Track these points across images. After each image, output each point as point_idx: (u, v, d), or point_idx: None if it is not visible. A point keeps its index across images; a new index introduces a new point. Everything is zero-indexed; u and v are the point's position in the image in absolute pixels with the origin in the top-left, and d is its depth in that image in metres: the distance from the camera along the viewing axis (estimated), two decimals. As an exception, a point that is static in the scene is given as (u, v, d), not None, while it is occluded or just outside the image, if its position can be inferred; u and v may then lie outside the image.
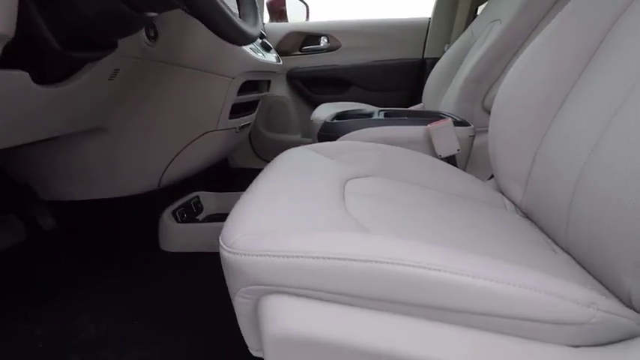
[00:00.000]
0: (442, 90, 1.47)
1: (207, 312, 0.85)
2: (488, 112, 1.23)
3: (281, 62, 1.26)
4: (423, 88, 1.67)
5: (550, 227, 0.68)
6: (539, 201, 0.72)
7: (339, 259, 0.37)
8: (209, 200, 1.32)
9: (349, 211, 0.54)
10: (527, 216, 0.78)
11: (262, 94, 1.20)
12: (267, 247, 0.39)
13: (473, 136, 0.93)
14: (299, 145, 0.82)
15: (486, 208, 0.75)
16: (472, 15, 1.76)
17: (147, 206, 1.20)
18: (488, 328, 0.37)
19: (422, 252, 0.37)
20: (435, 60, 1.73)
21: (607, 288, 0.52)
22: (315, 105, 1.89)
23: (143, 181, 1.06)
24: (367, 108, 1.20)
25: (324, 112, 1.43)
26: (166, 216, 1.16)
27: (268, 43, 1.20)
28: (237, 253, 0.40)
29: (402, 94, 1.87)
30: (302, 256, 0.37)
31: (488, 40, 1.19)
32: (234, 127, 1.08)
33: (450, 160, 0.90)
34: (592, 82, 0.68)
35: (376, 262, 0.36)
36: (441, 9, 1.80)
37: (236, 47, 0.92)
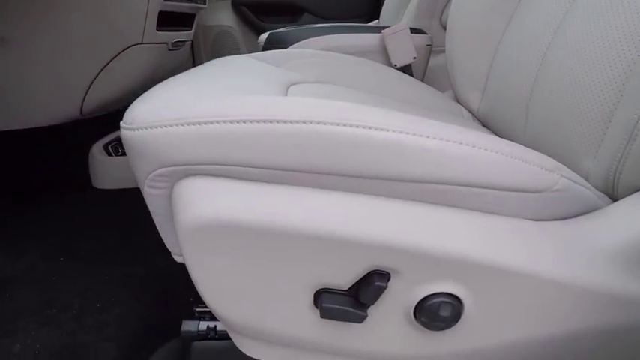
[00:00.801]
0: (400, 11, 1.38)
1: (142, 244, 0.77)
2: (445, 29, 1.16)
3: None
4: (379, 14, 1.56)
5: (508, 129, 0.64)
6: (497, 103, 0.68)
7: (267, 121, 0.29)
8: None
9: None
10: (484, 125, 0.75)
11: (198, 5, 1.05)
12: (175, 116, 0.30)
13: (430, 46, 0.86)
14: None
15: (443, 115, 0.70)
16: None
17: (73, 140, 1.06)
18: (442, 201, 0.32)
19: (369, 112, 0.31)
20: (392, -16, 1.61)
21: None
22: (265, 35, 1.73)
23: (61, 108, 0.91)
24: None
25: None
26: (96, 150, 1.03)
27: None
28: (138, 128, 0.31)
29: (358, 22, 1.75)
30: (218, 121, 0.29)
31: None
32: (166, 43, 0.94)
33: (406, 70, 0.83)
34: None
35: (314, 122, 0.29)
36: None
37: None
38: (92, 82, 0.89)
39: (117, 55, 0.87)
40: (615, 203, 0.37)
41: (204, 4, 1.09)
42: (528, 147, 0.58)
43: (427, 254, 0.31)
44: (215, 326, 0.42)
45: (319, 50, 0.82)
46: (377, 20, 1.47)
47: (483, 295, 0.33)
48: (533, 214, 0.34)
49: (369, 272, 0.32)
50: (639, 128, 0.34)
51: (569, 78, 0.47)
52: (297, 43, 0.84)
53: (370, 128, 0.29)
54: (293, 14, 1.75)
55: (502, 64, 0.68)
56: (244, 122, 0.29)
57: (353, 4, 1.73)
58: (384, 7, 1.50)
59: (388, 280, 0.32)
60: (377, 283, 0.32)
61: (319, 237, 0.30)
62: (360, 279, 0.33)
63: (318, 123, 0.29)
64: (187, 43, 1.08)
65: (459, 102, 0.79)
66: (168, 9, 0.89)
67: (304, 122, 0.29)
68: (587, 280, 0.33)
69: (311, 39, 0.83)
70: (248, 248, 0.31)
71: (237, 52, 1.80)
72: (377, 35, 0.82)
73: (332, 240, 0.31)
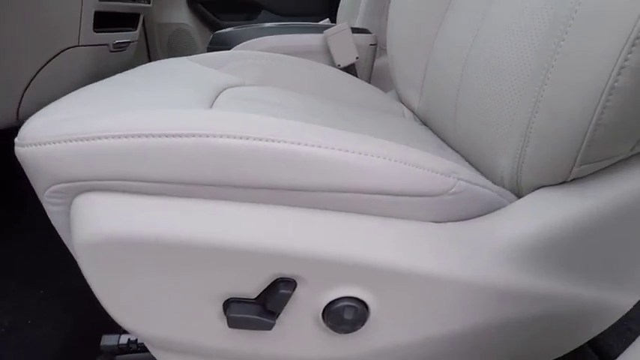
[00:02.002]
0: (355, 9, 1.38)
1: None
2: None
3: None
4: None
5: (441, 128, 0.67)
6: (432, 104, 0.70)
7: (157, 135, 0.29)
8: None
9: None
10: (424, 123, 0.76)
11: (140, 4, 1.01)
12: (64, 132, 0.30)
13: (374, 45, 0.87)
14: None
15: (383, 115, 0.71)
16: None
17: (9, 147, 1.01)
18: (341, 208, 0.33)
19: (259, 123, 0.31)
20: (349, -20, 1.62)
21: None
22: (223, 33, 1.70)
23: (-5, 114, 0.87)
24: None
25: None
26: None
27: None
28: (28, 144, 0.30)
29: (318, 20, 1.75)
30: (108, 137, 0.29)
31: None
32: (107, 44, 0.91)
33: (350, 70, 0.84)
34: None
35: (203, 135, 0.29)
36: None
37: None
38: (27, 87, 0.85)
39: (52, 59, 0.84)
40: (513, 203, 0.38)
41: (149, 3, 1.05)
42: (458, 146, 0.60)
43: (329, 261, 0.32)
44: (136, 339, 0.42)
45: (262, 52, 0.82)
46: (327, 19, 1.46)
47: (387, 297, 0.34)
48: (434, 216, 0.35)
49: (275, 280, 0.33)
50: (530, 131, 0.36)
51: (485, 85, 0.49)
52: (242, 44, 0.83)
53: (260, 140, 0.29)
54: (250, 11, 1.73)
55: (433, 70, 0.70)
56: (135, 137, 0.29)
57: (310, 1, 1.73)
58: (341, 4, 1.50)
59: (295, 288, 0.33)
60: (282, 291, 0.32)
61: (220, 248, 0.31)
62: (267, 287, 0.33)
63: (207, 136, 0.29)
64: (132, 43, 1.05)
65: (401, 101, 0.81)
66: (106, 9, 0.86)
67: (192, 135, 0.29)
68: (486, 277, 0.35)
69: (255, 39, 0.83)
70: (147, 263, 0.31)
71: (194, 51, 1.76)
72: (320, 35, 0.83)
73: (233, 251, 0.31)
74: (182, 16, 1.70)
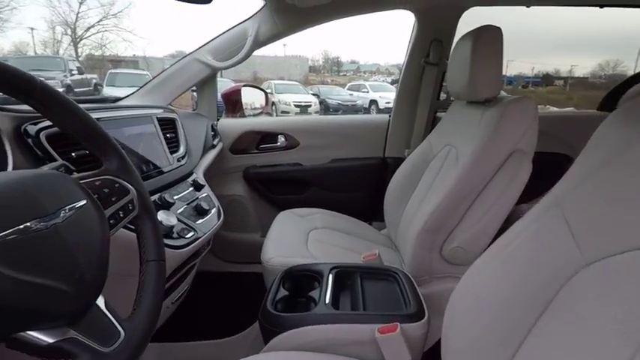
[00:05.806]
0: (401, 204, 1.39)
1: None
2: (447, 261, 1.15)
3: (221, 218, 1.16)
4: (385, 186, 1.57)
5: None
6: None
7: None
8: (150, 355, 1.18)
9: None
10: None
11: (196, 260, 1.09)
12: None
13: (426, 332, 0.84)
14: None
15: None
16: (430, 123, 1.70)
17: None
18: None
19: None
20: (397, 160, 1.67)
21: None
22: (275, 204, 1.79)
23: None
24: (318, 264, 1.10)
25: (279, 242, 1.32)
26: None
27: (206, 206, 1.10)
28: None
29: (364, 194, 1.80)
30: None
31: (443, 186, 1.12)
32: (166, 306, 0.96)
33: (400, 366, 0.80)
34: (548, 337, 0.60)
35: None
36: (399, 112, 1.75)
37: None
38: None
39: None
40: None
41: (209, 245, 1.13)
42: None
43: None
44: None
45: (311, 340, 0.82)
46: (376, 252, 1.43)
47: None
48: None
49: None
50: None
51: None
52: (291, 332, 0.84)
53: None
54: (302, 187, 1.82)
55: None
56: None
57: (357, 177, 1.80)
58: (387, 198, 1.51)
59: None
60: None
61: None
62: None
63: None
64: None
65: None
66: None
67: None
68: None
69: (303, 329, 0.84)
70: None
71: (247, 219, 1.86)
72: (369, 328, 0.81)
73: None
74: (238, 189, 1.83)
